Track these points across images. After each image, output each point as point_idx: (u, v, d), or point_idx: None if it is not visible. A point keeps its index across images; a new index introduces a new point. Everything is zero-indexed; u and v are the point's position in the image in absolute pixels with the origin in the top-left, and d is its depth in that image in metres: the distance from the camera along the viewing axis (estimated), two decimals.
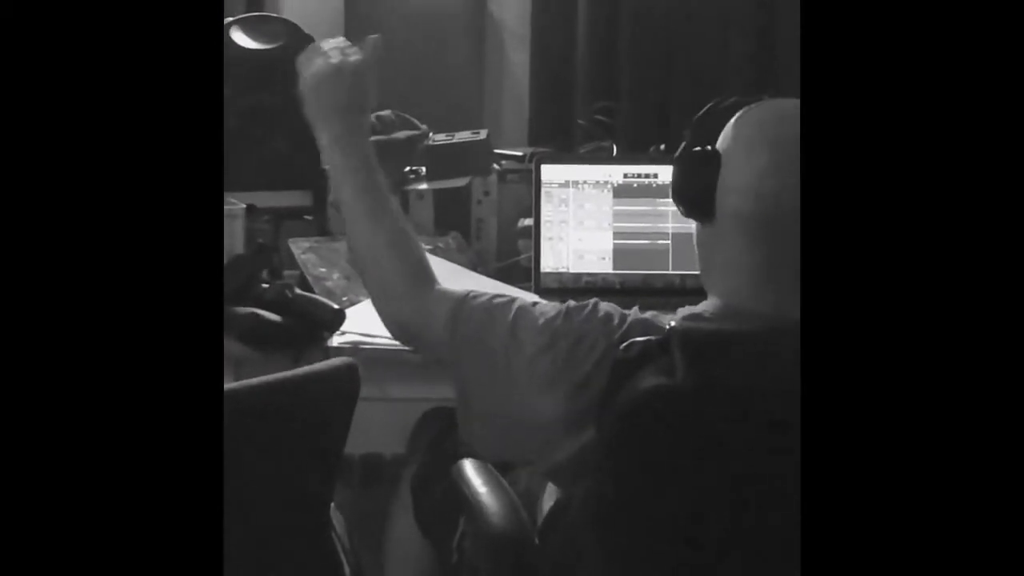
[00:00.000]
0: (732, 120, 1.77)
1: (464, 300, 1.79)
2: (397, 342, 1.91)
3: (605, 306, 1.74)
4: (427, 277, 1.84)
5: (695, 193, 1.76)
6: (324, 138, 1.91)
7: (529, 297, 1.87)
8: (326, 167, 1.94)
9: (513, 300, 1.78)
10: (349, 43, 1.96)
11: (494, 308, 1.77)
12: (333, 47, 1.94)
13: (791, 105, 1.75)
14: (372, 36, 1.97)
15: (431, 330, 1.80)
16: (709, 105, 1.80)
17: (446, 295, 1.81)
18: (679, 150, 1.80)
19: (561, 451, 1.72)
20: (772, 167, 1.69)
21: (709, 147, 1.75)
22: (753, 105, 1.77)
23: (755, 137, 1.73)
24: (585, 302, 1.75)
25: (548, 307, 1.76)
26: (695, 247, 1.82)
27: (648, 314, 1.74)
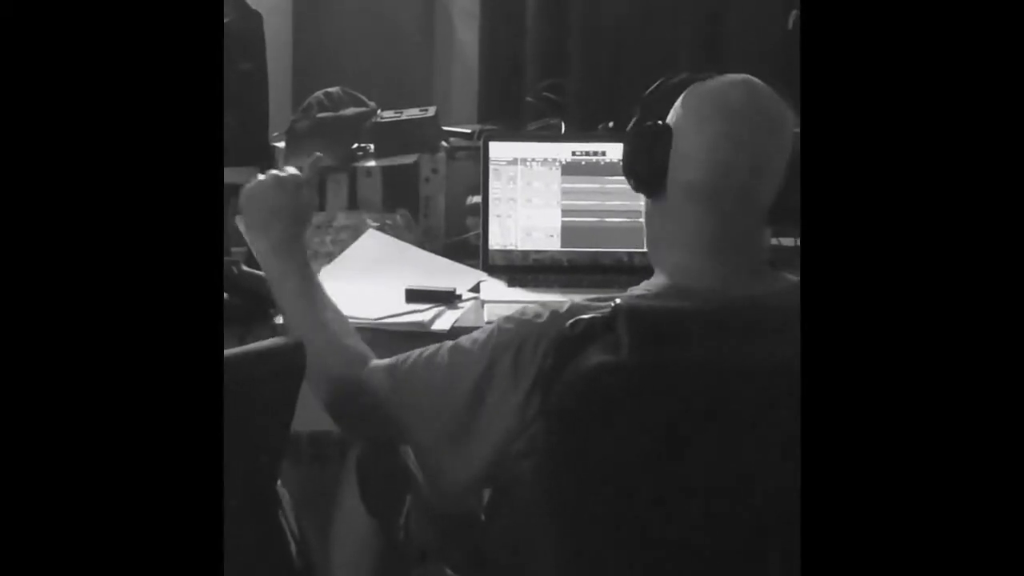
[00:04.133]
0: (682, 95, 1.77)
1: (395, 367, 1.83)
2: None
3: (532, 308, 1.74)
4: (361, 360, 1.89)
5: (646, 167, 1.76)
6: (262, 246, 2.00)
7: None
8: (266, 273, 2.02)
9: (441, 345, 1.80)
10: (293, 170, 2.06)
11: (426, 360, 1.79)
12: (275, 171, 2.05)
13: (741, 80, 1.75)
14: (316, 154, 2.12)
15: (374, 405, 1.84)
16: (659, 81, 1.81)
17: (377, 369, 1.85)
18: (630, 125, 1.80)
19: (516, 446, 1.72)
20: (722, 137, 1.70)
21: (660, 122, 1.76)
22: (703, 80, 1.78)
23: (705, 108, 1.73)
24: (512, 313, 1.76)
25: (479, 333, 1.77)
26: (643, 222, 1.82)
27: (586, 299, 1.74)
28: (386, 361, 1.86)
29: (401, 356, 1.84)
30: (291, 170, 2.06)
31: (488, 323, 1.79)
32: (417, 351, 1.82)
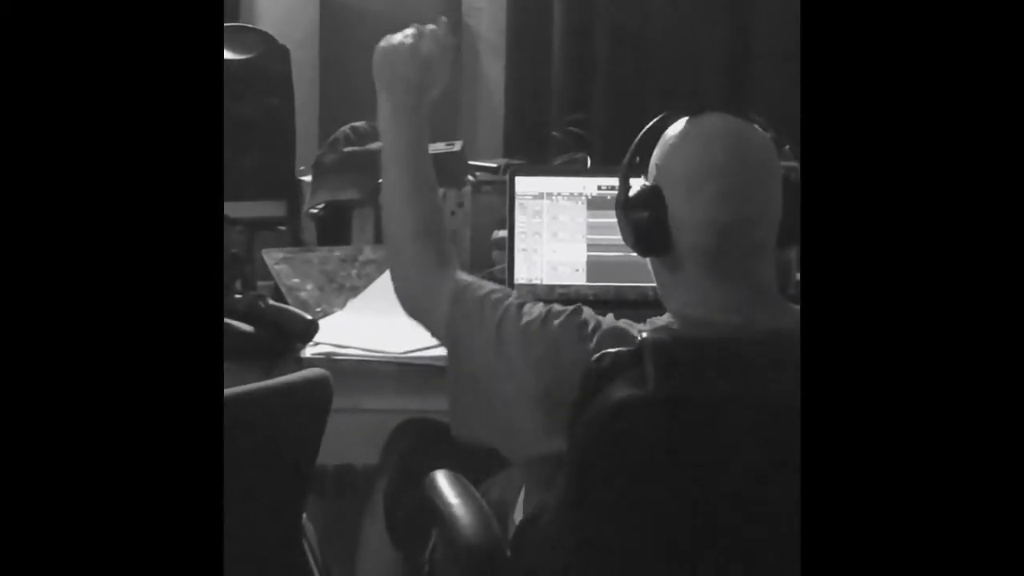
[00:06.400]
0: (667, 145, 1.77)
1: (466, 288, 1.84)
2: (378, 352, 2.07)
3: (585, 313, 1.76)
4: (446, 260, 1.90)
5: (647, 235, 1.76)
6: (385, 108, 1.96)
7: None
8: (381, 137, 2.01)
9: (505, 298, 1.82)
10: (431, 26, 1.99)
11: (486, 303, 1.81)
12: (414, 30, 1.98)
13: (717, 125, 1.75)
14: (442, 19, 2.02)
15: (435, 310, 1.86)
16: (636, 140, 1.81)
17: (453, 280, 1.86)
18: (618, 199, 1.80)
19: (534, 449, 1.76)
20: (719, 198, 1.70)
21: (646, 184, 1.75)
22: (682, 127, 1.77)
23: (697, 166, 1.73)
24: (566, 307, 1.78)
25: (534, 309, 1.79)
26: (652, 275, 1.83)
27: (622, 322, 1.75)
28: (459, 281, 1.86)
29: (472, 284, 1.86)
30: (430, 33, 1.99)
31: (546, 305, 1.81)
32: (487, 289, 1.84)
